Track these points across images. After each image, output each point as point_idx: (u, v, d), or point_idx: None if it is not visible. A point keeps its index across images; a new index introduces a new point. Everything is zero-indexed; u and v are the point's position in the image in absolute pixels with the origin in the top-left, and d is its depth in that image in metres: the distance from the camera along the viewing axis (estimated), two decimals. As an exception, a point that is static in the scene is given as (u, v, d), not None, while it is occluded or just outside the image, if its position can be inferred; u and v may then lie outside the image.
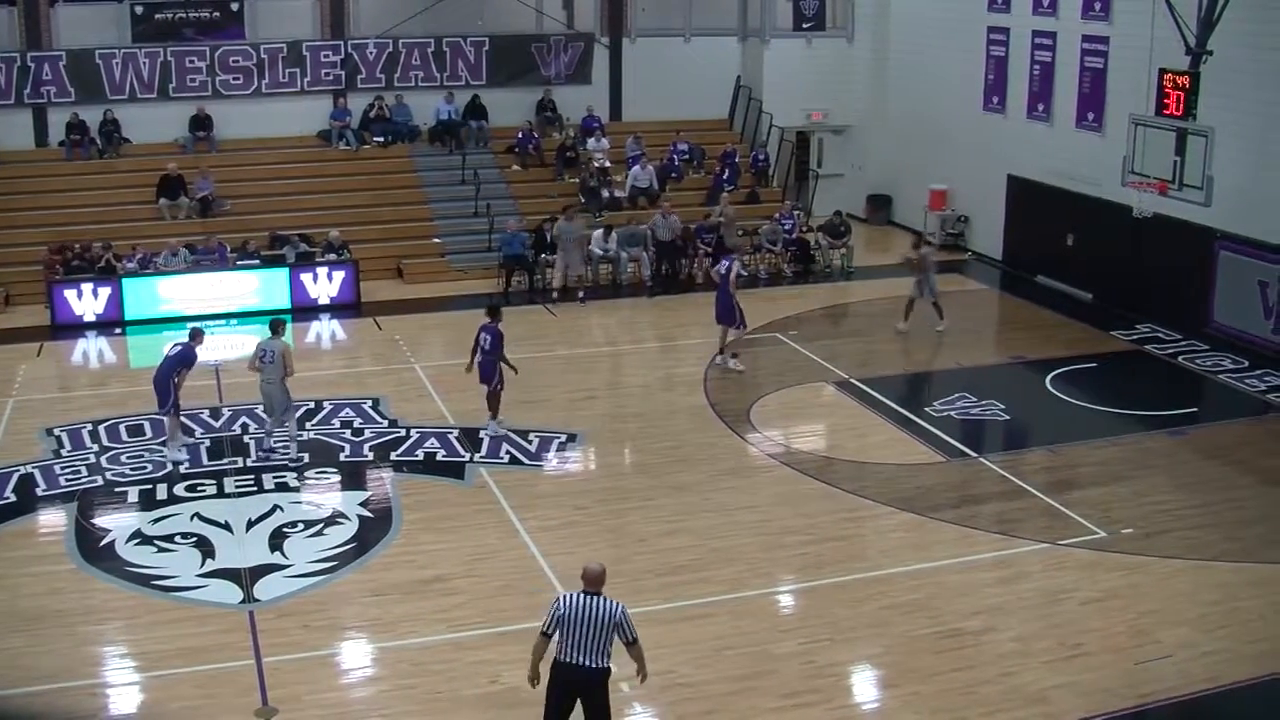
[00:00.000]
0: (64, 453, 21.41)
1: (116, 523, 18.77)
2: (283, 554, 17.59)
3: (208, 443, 21.59)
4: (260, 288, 29.76)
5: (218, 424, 22.48)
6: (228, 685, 14.58)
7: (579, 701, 12.52)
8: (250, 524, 18.48)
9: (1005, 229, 33.73)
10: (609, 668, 12.44)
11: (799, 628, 15.97)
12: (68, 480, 20.31)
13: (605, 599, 12.32)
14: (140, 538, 18.19)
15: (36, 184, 33.02)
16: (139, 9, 34.52)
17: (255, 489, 19.82)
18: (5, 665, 15.08)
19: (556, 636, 12.29)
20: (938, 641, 15.46)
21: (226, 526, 18.41)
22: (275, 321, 21.55)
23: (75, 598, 16.73)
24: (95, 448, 21.54)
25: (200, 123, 34.50)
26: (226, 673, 14.84)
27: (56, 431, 22.23)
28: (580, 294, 30.36)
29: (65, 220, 31.76)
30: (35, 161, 33.98)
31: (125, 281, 29.13)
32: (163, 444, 21.37)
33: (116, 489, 19.97)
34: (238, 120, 34.75)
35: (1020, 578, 17.16)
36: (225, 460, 20.93)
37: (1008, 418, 23.03)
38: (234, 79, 34.76)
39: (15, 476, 20.43)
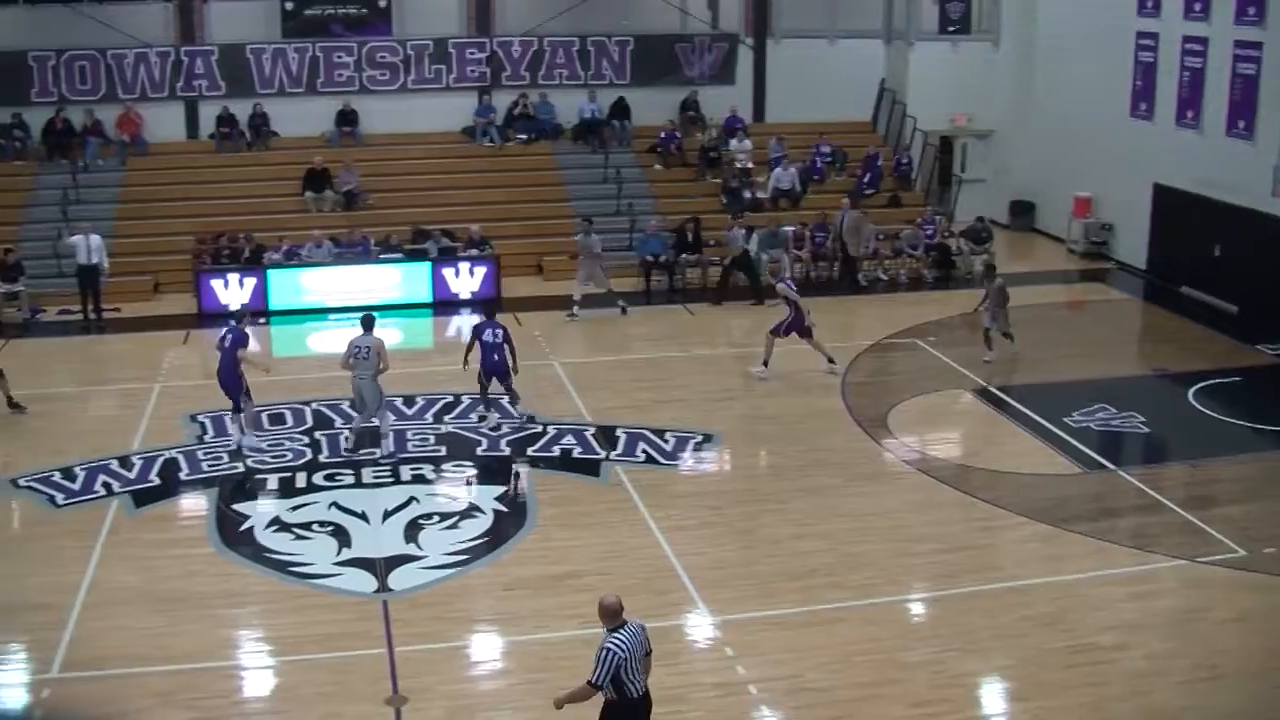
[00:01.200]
0: (207, 439, 21.83)
1: (256, 509, 19.13)
2: (418, 545, 17.77)
3: (347, 433, 21.86)
4: (402, 281, 30.11)
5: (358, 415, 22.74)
6: (359, 673, 14.76)
7: None
8: (387, 514, 18.71)
9: (1150, 238, 33.12)
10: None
11: (929, 636, 15.81)
12: (209, 466, 20.71)
13: (631, 621, 12.05)
14: (279, 524, 18.50)
15: (187, 175, 33.76)
16: (289, 5, 35.16)
17: (393, 480, 20.07)
18: (144, 644, 15.42)
19: (611, 683, 11.72)
20: (1069, 656, 15.20)
21: (363, 516, 18.64)
22: (367, 317, 21.57)
23: (213, 581, 17.06)
24: (238, 434, 21.92)
25: (346, 117, 35.00)
26: (358, 660, 15.02)
27: (200, 418, 22.67)
28: (620, 303, 29.68)
29: (213, 211, 32.39)
30: (186, 153, 34.74)
31: (270, 272, 29.63)
32: (307, 433, 21.70)
33: (257, 476, 20.34)
34: (383, 115, 35.22)
35: (1156, 594, 16.83)
36: (364, 451, 21.17)
37: (1148, 431, 22.58)
38: (380, 75, 35.23)
39: (159, 460, 20.90)
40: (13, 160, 33.75)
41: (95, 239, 29.19)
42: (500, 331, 22.25)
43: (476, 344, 22.26)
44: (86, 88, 34.50)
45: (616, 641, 11.76)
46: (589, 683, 11.74)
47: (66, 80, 34.41)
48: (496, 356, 22.09)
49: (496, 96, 35.99)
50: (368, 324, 21.33)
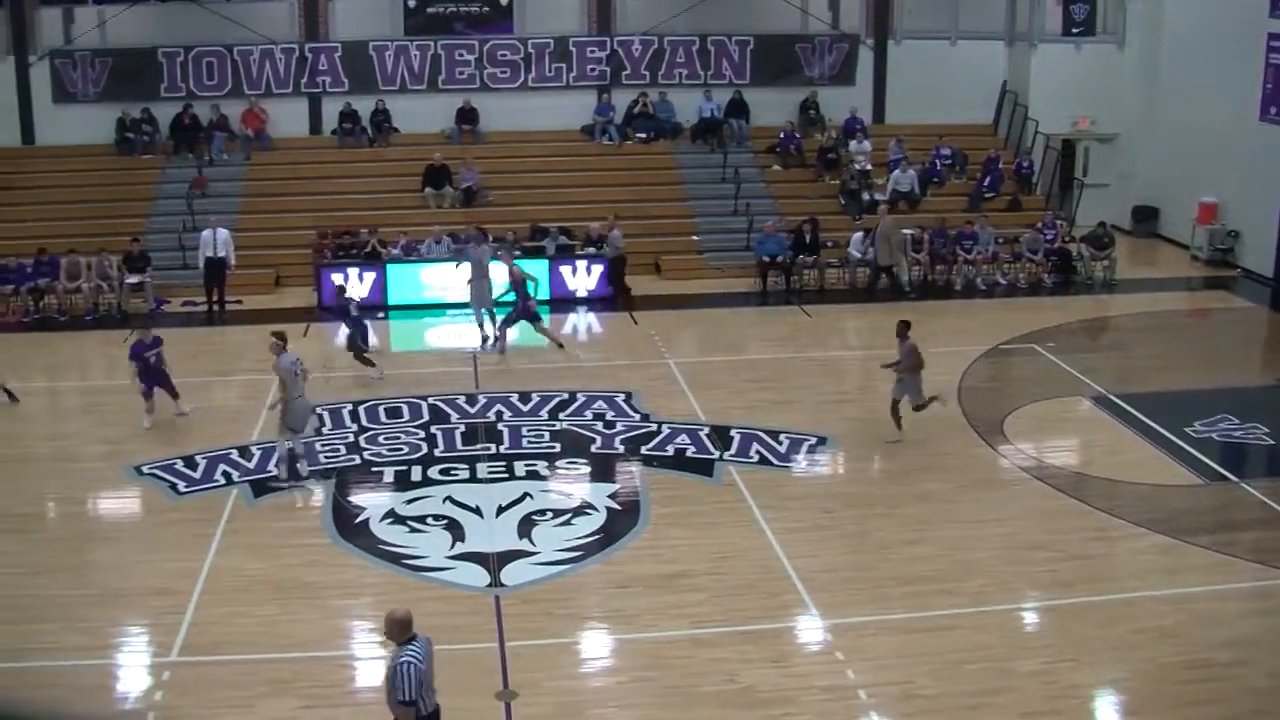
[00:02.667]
0: (325, 431, 22.12)
1: (372, 501, 19.37)
2: (530, 541, 17.88)
3: (463, 428, 22.05)
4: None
5: (473, 410, 22.96)
6: (470, 666, 14.86)
7: None
8: (500, 510, 18.84)
9: (1279, 245, 32.51)
10: None
11: (1042, 646, 15.62)
12: (327, 458, 20.98)
13: (420, 634, 11.83)
14: (393, 517, 18.70)
15: (309, 170, 34.24)
16: (412, 3, 35.57)
17: (507, 475, 20.20)
18: (259, 631, 15.67)
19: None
20: (1185, 671, 14.93)
21: (477, 511, 18.79)
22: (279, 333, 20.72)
23: (329, 571, 17.30)
24: (354, 427, 22.22)
25: (466, 115, 35.29)
26: (469, 654, 15.13)
27: (318, 410, 22.95)
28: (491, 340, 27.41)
29: (335, 206, 32.82)
30: (309, 148, 35.24)
31: (389, 267, 29.96)
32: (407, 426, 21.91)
33: (373, 468, 20.59)
34: (503, 113, 35.47)
35: (1278, 610, 16.53)
36: (479, 445, 21.35)
37: (1272, 442, 22.07)
38: (501, 72, 35.50)
39: (278, 452, 21.17)
40: (141, 154, 34.49)
41: (223, 233, 29.71)
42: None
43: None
44: (213, 83, 35.14)
45: (413, 654, 11.55)
46: (400, 702, 11.44)
47: (194, 76, 35.08)
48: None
49: (616, 95, 36.14)
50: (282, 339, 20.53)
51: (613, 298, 30.45)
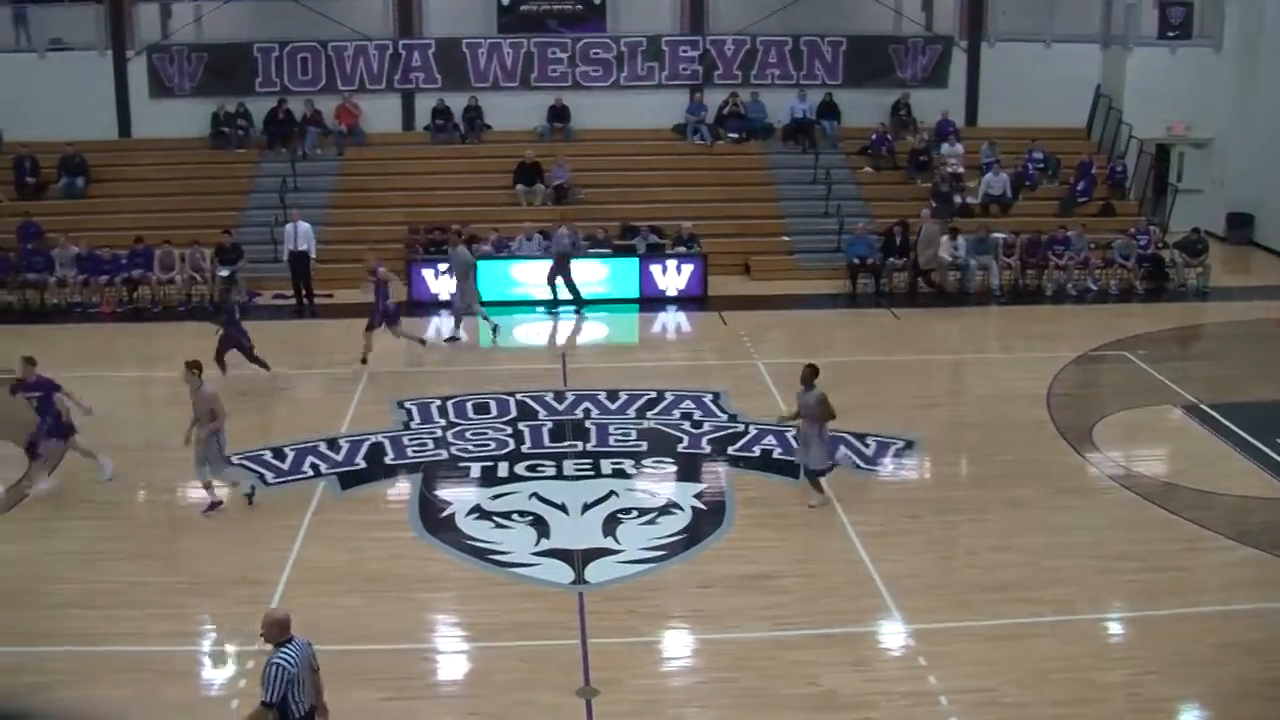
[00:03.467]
0: (413, 425, 22.25)
1: (458, 496, 19.42)
2: (615, 539, 17.87)
3: (550, 425, 22.12)
4: (610, 276, 30.33)
5: (561, 407, 23.01)
6: (552, 662, 14.91)
7: None
8: (586, 507, 18.84)
9: (1378, 254, 31.95)
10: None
11: (1127, 658, 15.41)
12: (414, 452, 21.11)
13: (298, 638, 11.67)
14: (479, 512, 18.76)
15: (401, 165, 34.48)
16: (505, 0, 35.61)
17: (593, 473, 20.20)
18: (343, 623, 15.75)
19: (287, 698, 11.33)
20: (1271, 688, 14.62)
21: (563, 508, 18.81)
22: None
23: (414, 565, 17.38)
24: (442, 422, 22.33)
25: (558, 113, 35.39)
26: (552, 650, 15.18)
27: (407, 404, 23.13)
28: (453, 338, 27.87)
29: (426, 201, 33.03)
30: (401, 144, 35.49)
31: (480, 264, 30.04)
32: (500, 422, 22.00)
33: (460, 463, 20.67)
34: (595, 111, 35.53)
35: (1369, 627, 16.22)
36: (565, 443, 21.41)
37: (1368, 456, 21.73)
38: (593, 71, 35.58)
39: (366, 444, 21.38)
40: (236, 148, 34.89)
41: (304, 226, 29.97)
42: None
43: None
44: (307, 79, 35.48)
45: (285, 657, 11.36)
46: (262, 704, 11.27)
47: (288, 71, 35.44)
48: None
49: (708, 94, 36.09)
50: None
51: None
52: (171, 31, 35.92)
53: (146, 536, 18.55)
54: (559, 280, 29.36)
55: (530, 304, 29.76)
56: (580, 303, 29.39)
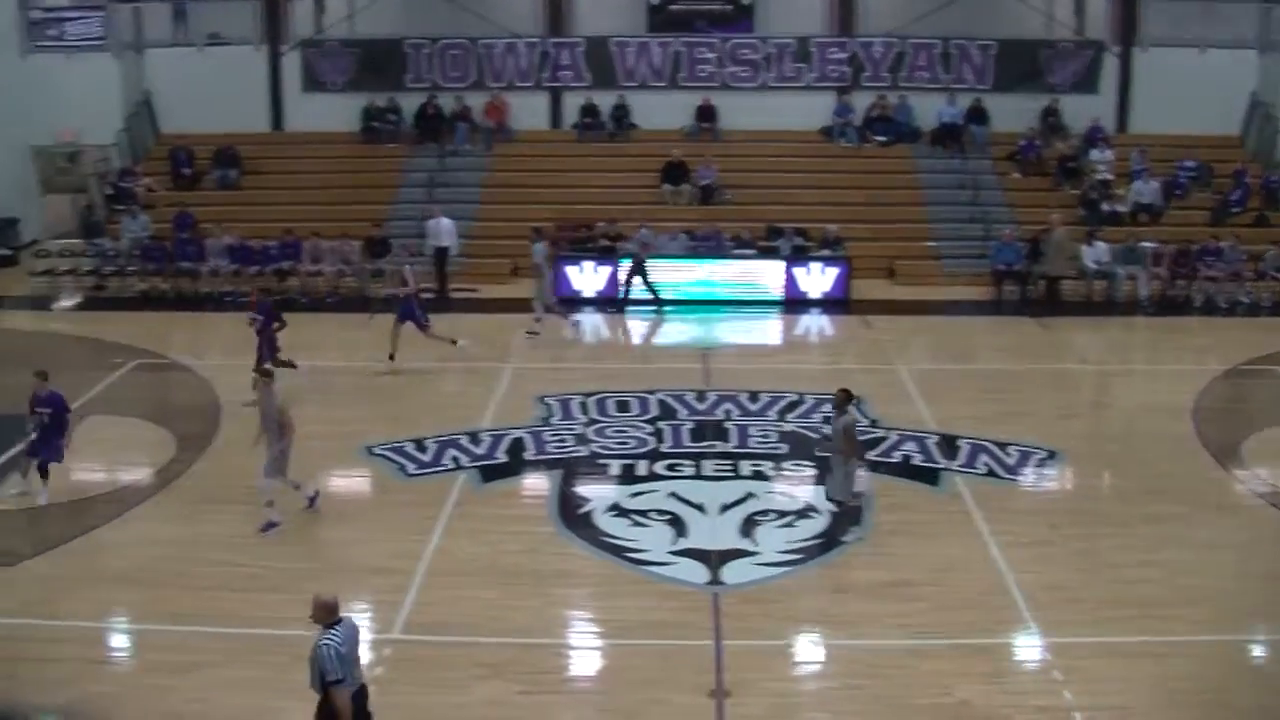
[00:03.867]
0: (553, 421, 22.32)
1: (596, 493, 19.41)
2: (752, 541, 17.73)
3: (691, 424, 22.07)
4: (754, 278, 30.19)
5: (702, 407, 22.95)
6: (685, 662, 14.82)
7: None
8: (724, 508, 18.72)
9: None
10: None
11: (1265, 681, 14.98)
12: (555, 447, 21.16)
13: (347, 617, 11.96)
14: (617, 510, 18.73)
15: (549, 163, 34.68)
16: (655, 0, 35.65)
17: (732, 474, 20.07)
18: (480, 615, 15.83)
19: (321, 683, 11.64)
20: None
21: (700, 508, 18.72)
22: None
23: (551, 560, 17.40)
24: (583, 419, 22.37)
25: (706, 113, 35.34)
26: (685, 650, 15.08)
27: (549, 400, 23.21)
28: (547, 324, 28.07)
29: (573, 199, 33.15)
30: (549, 141, 35.74)
31: (625, 262, 30.10)
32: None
33: (599, 460, 20.69)
34: (742, 112, 35.43)
35: None
36: (705, 443, 21.34)
37: None
38: (741, 71, 35.51)
39: (508, 438, 21.47)
40: (386, 143, 35.33)
41: (446, 222, 30.24)
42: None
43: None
44: (458, 75, 35.86)
45: (333, 638, 11.58)
46: (332, 682, 11.49)
47: (439, 67, 35.86)
48: None
49: (856, 97, 35.82)
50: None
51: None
52: (325, 27, 36.46)
53: (289, 522, 18.77)
54: (636, 280, 29.41)
55: (675, 302, 29.71)
56: (659, 303, 29.39)
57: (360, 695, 11.89)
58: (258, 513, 18.58)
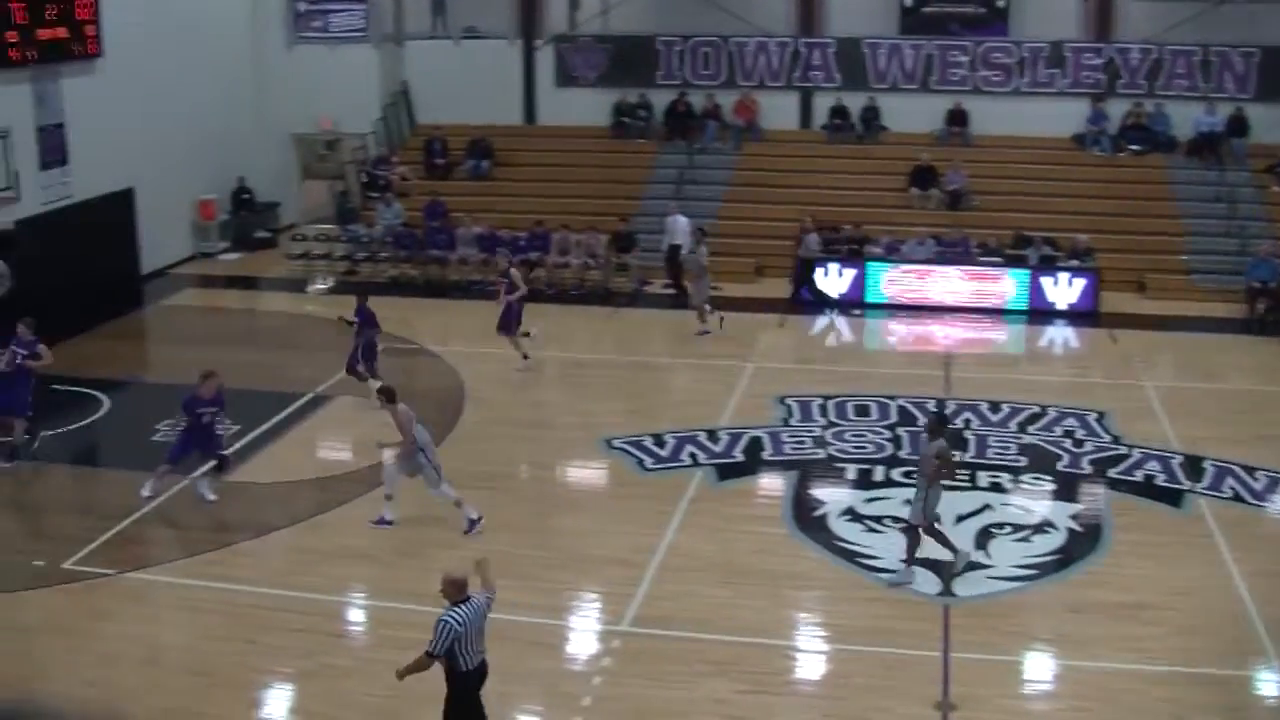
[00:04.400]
0: (792, 422, 22.34)
1: (831, 496, 19.41)
2: (986, 553, 17.56)
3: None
4: (1000, 286, 29.75)
5: (939, 415, 22.73)
6: (911, 672, 14.75)
7: None
8: (959, 518, 18.53)
9: None
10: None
11: None
12: (792, 449, 21.19)
13: (474, 596, 12.19)
14: (852, 515, 18.70)
15: (796, 163, 34.58)
16: (909, 2, 35.39)
17: (969, 484, 19.86)
18: (709, 612, 15.99)
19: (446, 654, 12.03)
20: None
21: (935, 517, 18.56)
22: None
23: (783, 561, 17.46)
24: (822, 421, 22.34)
25: (956, 117, 34.92)
26: (912, 660, 15.01)
27: (788, 401, 23.23)
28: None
29: (819, 200, 32.99)
30: (797, 142, 35.64)
31: (869, 265, 29.96)
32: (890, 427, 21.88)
33: (836, 464, 20.64)
34: (993, 116, 34.89)
35: None
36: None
37: None
38: (994, 75, 34.95)
39: (745, 438, 21.58)
40: (636, 139, 35.69)
41: (681, 220, 30.36)
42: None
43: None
44: (708, 73, 36.01)
45: (454, 615, 11.92)
46: (426, 653, 11.97)
47: (690, 65, 36.05)
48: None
49: (1110, 104, 34.99)
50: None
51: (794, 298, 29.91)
52: (579, 23, 36.93)
53: (525, 510, 19.20)
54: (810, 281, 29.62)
55: (918, 308, 29.45)
56: (829, 305, 29.41)
57: (478, 671, 12.31)
58: (493, 498, 19.02)
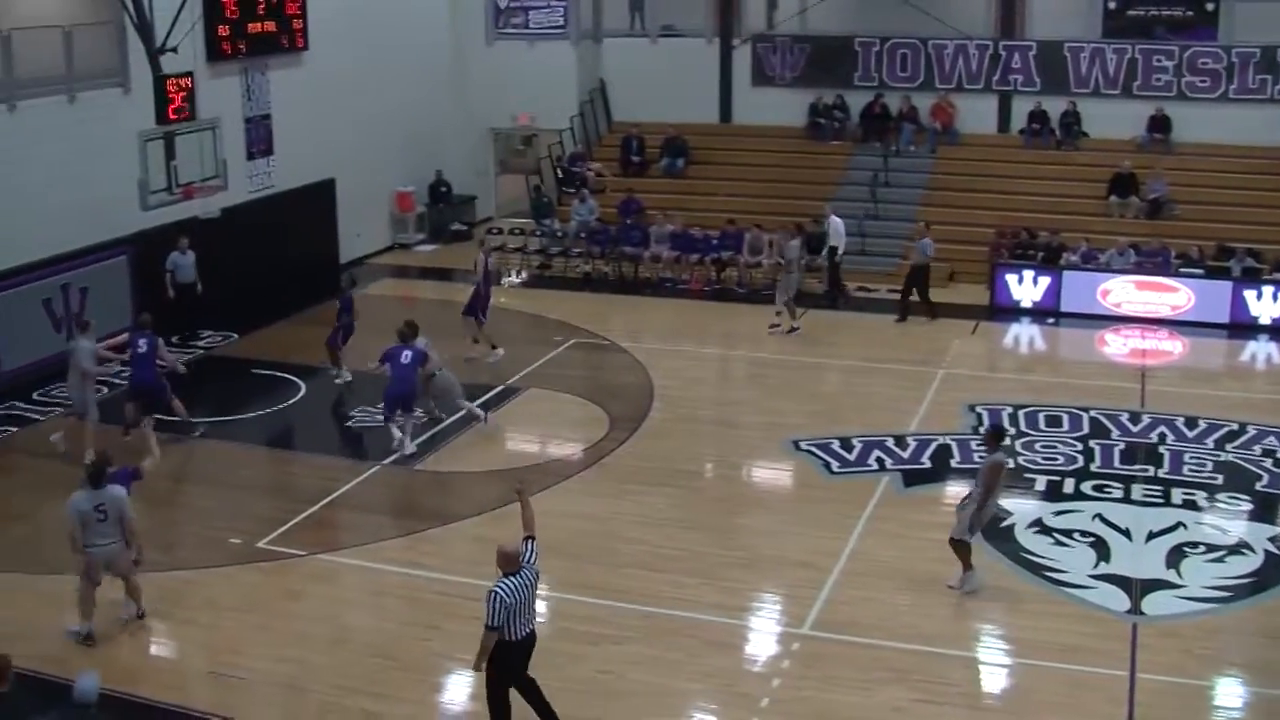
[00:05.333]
0: (982, 430, 22.04)
1: (1019, 507, 19.08)
2: (1178, 573, 17.14)
3: (1122, 445, 21.47)
4: (1198, 299, 28.98)
5: (1135, 429, 22.26)
6: (1096, 691, 14.46)
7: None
8: (1150, 535, 18.16)
9: None
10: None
11: None
12: (981, 458, 20.74)
13: (524, 568, 12.60)
14: (1040, 527, 18.41)
15: (993, 168, 34.11)
16: (1112, 4, 34.70)
17: (1162, 501, 19.42)
18: (890, 619, 15.92)
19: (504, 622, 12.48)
20: None
21: (1126, 533, 18.20)
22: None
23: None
24: (1012, 431, 21.98)
25: (1159, 123, 34.12)
26: (1097, 679, 14.70)
27: (978, 409, 22.95)
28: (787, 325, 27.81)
29: (1015, 206, 32.56)
30: (995, 146, 35.15)
31: (1065, 274, 29.44)
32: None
33: (1025, 475, 20.31)
34: (1198, 123, 33.98)
35: None
36: (1137, 466, 20.72)
37: None
38: (1200, 81, 34.05)
39: (933, 445, 21.39)
40: (831, 140, 35.54)
41: (836, 221, 30.10)
42: (409, 354, 21.34)
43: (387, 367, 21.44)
44: (905, 75, 35.71)
45: (503, 587, 12.37)
46: (486, 627, 12.42)
47: (887, 66, 35.81)
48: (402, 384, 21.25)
49: (1325, 113, 33.93)
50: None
51: (902, 307, 28.96)
52: (776, 22, 36.87)
53: (710, 508, 19.26)
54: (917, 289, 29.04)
55: (1114, 319, 28.86)
56: (932, 314, 28.73)
57: (522, 644, 12.73)
58: (677, 495, 19.14)
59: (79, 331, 21.66)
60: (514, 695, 12.87)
